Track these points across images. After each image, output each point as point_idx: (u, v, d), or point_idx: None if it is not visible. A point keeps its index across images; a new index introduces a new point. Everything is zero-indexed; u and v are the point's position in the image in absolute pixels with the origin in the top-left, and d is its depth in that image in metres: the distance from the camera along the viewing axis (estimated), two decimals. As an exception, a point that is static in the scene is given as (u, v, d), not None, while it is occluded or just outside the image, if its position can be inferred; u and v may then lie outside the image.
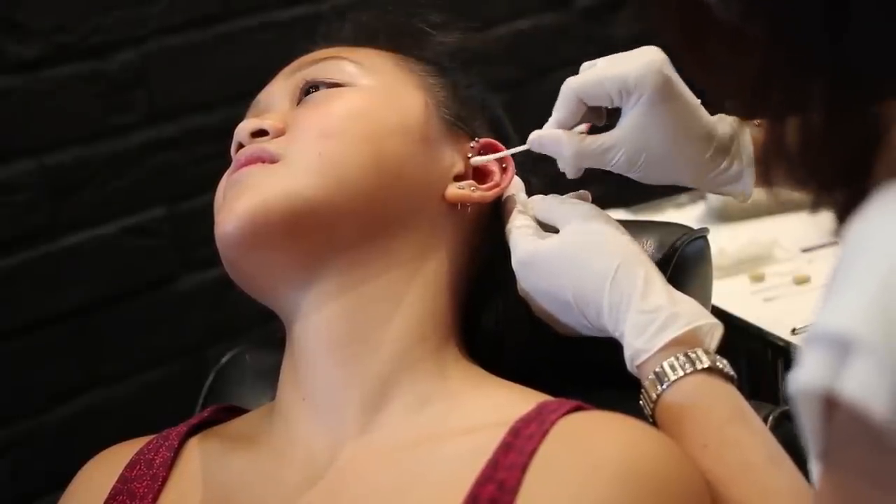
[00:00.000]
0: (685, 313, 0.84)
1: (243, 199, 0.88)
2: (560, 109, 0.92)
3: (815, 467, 0.57)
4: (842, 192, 0.59)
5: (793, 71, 0.59)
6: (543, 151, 0.93)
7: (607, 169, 0.91)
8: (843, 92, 0.57)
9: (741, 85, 0.62)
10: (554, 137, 0.92)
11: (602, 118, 0.93)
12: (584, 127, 0.92)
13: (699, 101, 0.91)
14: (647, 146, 0.90)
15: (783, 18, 0.58)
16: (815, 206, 0.60)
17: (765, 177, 0.66)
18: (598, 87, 0.90)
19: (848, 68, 0.57)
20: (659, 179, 0.93)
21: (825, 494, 0.55)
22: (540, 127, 0.95)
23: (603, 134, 0.91)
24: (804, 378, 0.53)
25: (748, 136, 0.91)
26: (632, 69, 0.88)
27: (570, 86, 0.91)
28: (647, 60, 0.88)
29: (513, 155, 0.97)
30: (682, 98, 0.89)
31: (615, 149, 0.90)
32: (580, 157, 0.91)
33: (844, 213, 0.58)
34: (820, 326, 0.53)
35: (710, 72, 0.69)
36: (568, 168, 0.92)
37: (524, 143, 0.95)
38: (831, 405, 0.53)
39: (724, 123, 0.92)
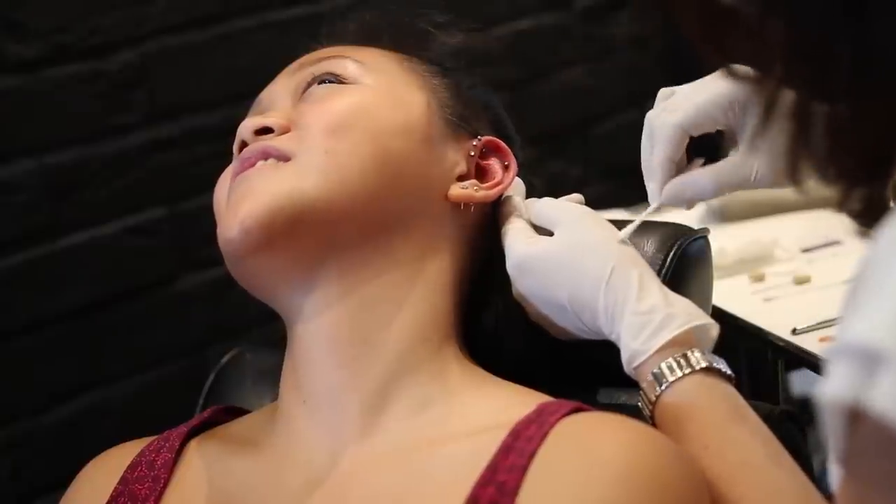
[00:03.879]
0: (681, 314, 0.84)
1: (247, 203, 0.88)
2: (667, 148, 0.90)
3: (834, 469, 0.56)
4: (866, 188, 0.58)
5: (814, 63, 0.58)
6: (682, 201, 0.91)
7: (752, 188, 0.89)
8: (866, 83, 0.57)
9: (763, 78, 0.62)
10: (689, 181, 0.90)
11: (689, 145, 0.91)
12: (699, 161, 0.91)
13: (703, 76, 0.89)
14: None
15: (803, 10, 0.58)
16: (841, 204, 0.60)
17: (792, 172, 0.65)
18: (705, 116, 0.89)
19: (868, 59, 0.56)
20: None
21: (845, 502, 0.55)
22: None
23: (729, 157, 0.90)
24: (831, 390, 0.53)
25: None
26: (732, 87, 0.87)
27: (672, 122, 0.89)
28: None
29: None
30: None
31: (750, 162, 0.88)
32: (721, 186, 0.89)
33: (868, 210, 0.58)
34: (847, 337, 0.52)
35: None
36: (709, 198, 0.92)
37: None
38: (857, 416, 0.52)
39: None
